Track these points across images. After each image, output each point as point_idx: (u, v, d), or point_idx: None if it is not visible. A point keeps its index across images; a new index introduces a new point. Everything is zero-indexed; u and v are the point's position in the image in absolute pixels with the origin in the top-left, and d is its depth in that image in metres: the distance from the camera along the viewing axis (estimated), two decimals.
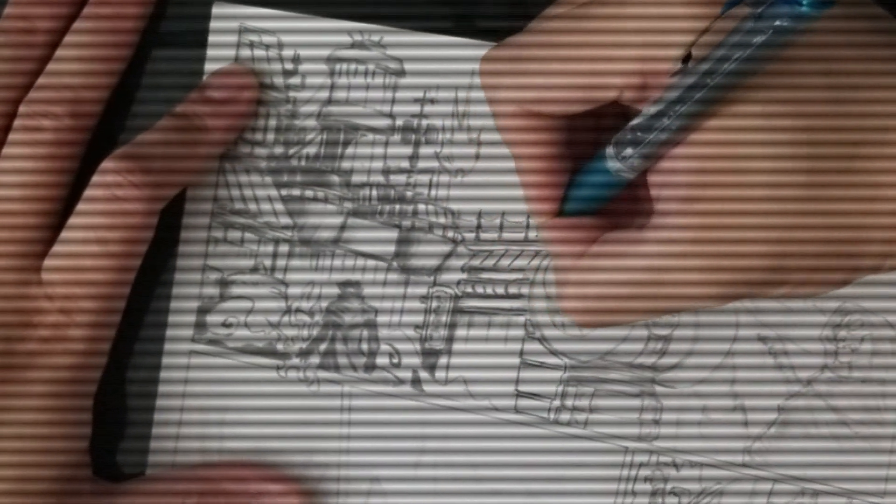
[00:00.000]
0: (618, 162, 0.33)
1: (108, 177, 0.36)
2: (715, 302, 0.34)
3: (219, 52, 0.40)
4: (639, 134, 0.32)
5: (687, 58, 0.31)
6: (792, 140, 0.32)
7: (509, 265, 0.40)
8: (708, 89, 0.30)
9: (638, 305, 0.35)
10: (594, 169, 0.35)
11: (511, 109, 0.34)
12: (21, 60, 0.38)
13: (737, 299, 0.34)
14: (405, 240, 0.40)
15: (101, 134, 0.39)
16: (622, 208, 0.36)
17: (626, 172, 0.34)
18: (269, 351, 0.40)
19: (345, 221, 0.40)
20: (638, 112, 0.33)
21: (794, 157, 0.32)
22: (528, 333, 0.40)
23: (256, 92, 0.39)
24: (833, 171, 0.32)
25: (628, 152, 0.33)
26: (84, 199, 0.36)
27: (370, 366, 0.40)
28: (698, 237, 0.32)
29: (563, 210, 0.36)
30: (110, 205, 0.36)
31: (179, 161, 0.38)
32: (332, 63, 0.40)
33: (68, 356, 0.36)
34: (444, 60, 0.40)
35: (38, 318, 0.36)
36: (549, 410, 0.40)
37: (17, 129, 0.37)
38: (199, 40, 0.40)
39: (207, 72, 0.40)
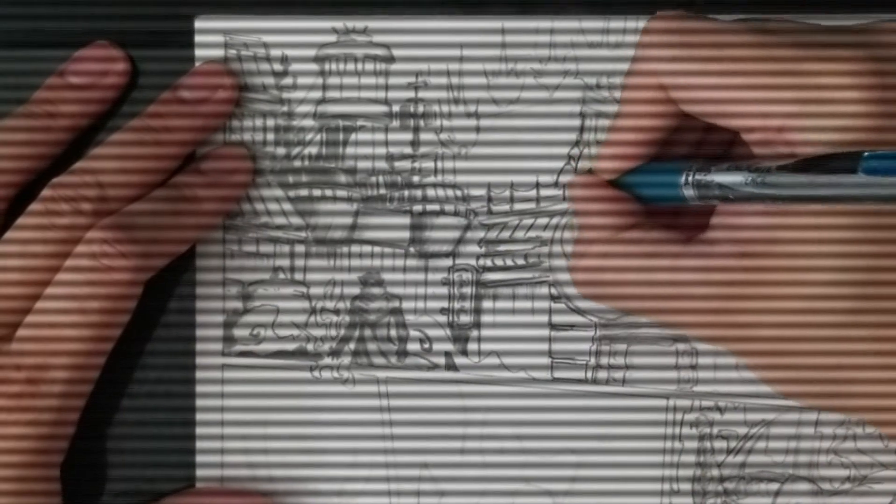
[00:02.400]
0: (693, 194, 0.34)
1: (95, 244, 0.35)
2: (704, 341, 0.37)
3: None
4: (730, 197, 0.33)
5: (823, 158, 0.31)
6: (862, 280, 0.33)
7: (525, 234, 0.40)
8: (820, 197, 0.31)
9: (641, 306, 0.36)
10: (667, 173, 0.35)
11: (652, 77, 0.34)
12: (37, 144, 0.38)
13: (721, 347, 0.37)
14: (418, 224, 0.40)
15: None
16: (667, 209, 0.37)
17: (694, 202, 0.35)
18: (300, 354, 0.40)
19: (356, 214, 0.40)
20: (743, 149, 0.34)
21: (854, 291, 0.33)
22: (554, 299, 0.40)
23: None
24: (872, 323, 0.33)
25: (704, 190, 0.34)
26: (67, 266, 0.35)
27: (402, 354, 0.40)
28: (732, 289, 0.33)
29: (617, 181, 0.37)
30: (95, 273, 0.35)
31: (168, 232, 0.37)
32: (320, 59, 0.40)
33: (32, 427, 0.35)
34: (431, 40, 0.40)
35: (2, 387, 0.35)
36: (585, 372, 0.40)
37: (37, 209, 0.36)
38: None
39: None
